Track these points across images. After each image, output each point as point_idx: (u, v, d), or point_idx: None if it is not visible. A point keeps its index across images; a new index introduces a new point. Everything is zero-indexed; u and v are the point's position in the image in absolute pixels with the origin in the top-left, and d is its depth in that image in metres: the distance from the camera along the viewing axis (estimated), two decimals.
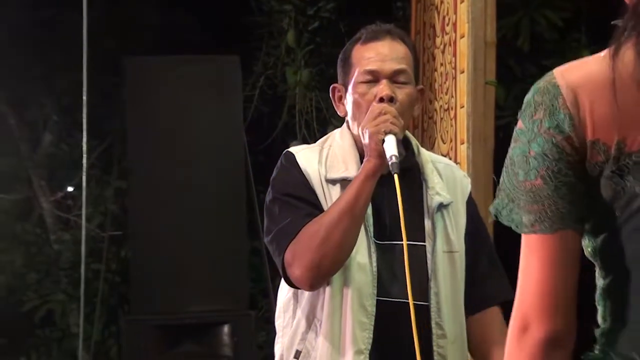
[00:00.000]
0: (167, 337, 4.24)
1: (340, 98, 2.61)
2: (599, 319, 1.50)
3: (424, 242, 2.51)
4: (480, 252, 2.62)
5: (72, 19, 4.87)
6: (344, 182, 2.49)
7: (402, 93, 2.51)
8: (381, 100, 2.48)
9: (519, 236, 1.52)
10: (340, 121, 2.71)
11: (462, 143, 4.02)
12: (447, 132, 4.23)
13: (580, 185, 1.46)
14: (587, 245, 1.51)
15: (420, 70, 4.01)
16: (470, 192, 2.65)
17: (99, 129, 5.86)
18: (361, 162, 2.49)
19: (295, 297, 2.54)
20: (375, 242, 2.47)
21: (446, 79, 4.25)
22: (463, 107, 4.03)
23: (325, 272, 2.43)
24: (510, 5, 5.25)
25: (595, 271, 1.54)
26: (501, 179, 1.53)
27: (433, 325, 2.49)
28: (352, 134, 2.58)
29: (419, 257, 2.49)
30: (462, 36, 4.05)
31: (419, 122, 4.55)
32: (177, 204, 4.27)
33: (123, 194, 5.96)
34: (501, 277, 2.62)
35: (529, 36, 5.45)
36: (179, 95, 4.31)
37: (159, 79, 4.36)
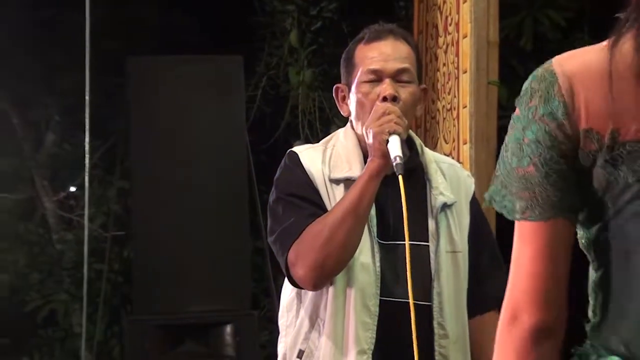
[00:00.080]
0: (169, 337, 4.24)
1: (344, 98, 2.61)
2: (590, 313, 1.51)
3: (428, 242, 2.51)
4: (483, 252, 2.62)
5: (74, 19, 4.87)
6: (347, 182, 2.49)
7: (405, 92, 2.51)
8: (384, 99, 2.48)
9: None
10: (343, 121, 2.71)
11: (465, 143, 4.02)
12: (450, 132, 4.23)
13: (572, 174, 1.46)
14: (582, 237, 1.52)
15: (423, 70, 4.01)
16: (474, 192, 2.65)
17: (101, 129, 5.87)
18: (365, 162, 2.49)
19: (299, 297, 2.54)
20: (379, 242, 2.47)
21: (449, 79, 4.25)
22: (466, 107, 4.02)
23: (328, 272, 2.43)
24: (513, 5, 5.25)
25: (584, 262, 1.54)
26: (496, 166, 1.53)
27: (435, 325, 2.49)
28: (355, 133, 2.58)
29: (422, 257, 2.49)
30: (465, 36, 4.05)
31: (421, 122, 4.55)
32: (180, 204, 4.27)
33: (126, 194, 5.96)
34: (502, 278, 2.61)
35: (532, 36, 5.45)
36: (182, 96, 4.31)
37: (162, 79, 4.36)
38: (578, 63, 1.46)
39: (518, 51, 5.37)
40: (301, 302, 2.53)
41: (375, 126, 2.43)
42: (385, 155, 2.40)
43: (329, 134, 2.70)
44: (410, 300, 2.32)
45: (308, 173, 2.52)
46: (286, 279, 2.53)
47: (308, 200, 2.49)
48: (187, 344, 4.27)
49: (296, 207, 2.48)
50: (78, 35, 4.46)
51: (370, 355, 2.43)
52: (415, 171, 2.55)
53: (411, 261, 2.39)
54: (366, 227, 2.45)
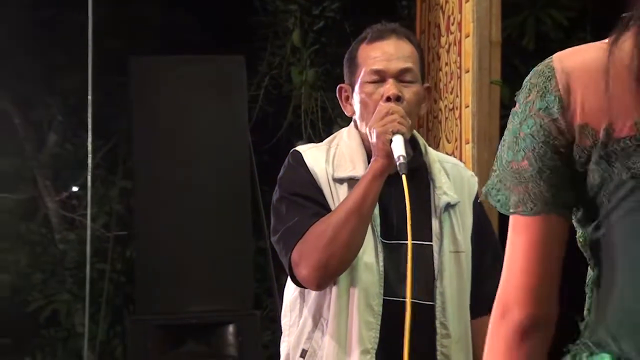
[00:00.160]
0: (172, 337, 4.24)
1: (348, 98, 2.61)
2: (585, 311, 1.51)
3: (431, 241, 2.51)
4: (486, 253, 2.61)
5: (77, 19, 4.87)
6: (351, 182, 2.49)
7: (409, 92, 2.51)
8: (388, 99, 2.48)
9: None
10: (345, 121, 2.71)
11: (467, 143, 4.02)
12: (452, 131, 4.23)
13: (566, 171, 1.46)
14: (580, 236, 1.52)
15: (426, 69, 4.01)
16: (478, 192, 2.65)
17: (104, 129, 5.86)
18: (369, 161, 2.49)
19: (302, 296, 2.54)
20: (382, 242, 2.47)
21: (451, 79, 4.25)
22: (468, 106, 4.02)
23: (332, 272, 2.43)
24: (515, 5, 5.25)
25: (579, 259, 1.54)
26: (495, 161, 1.54)
27: (437, 325, 2.49)
28: (359, 133, 2.57)
29: (425, 257, 2.49)
30: (467, 35, 4.05)
31: (424, 122, 4.55)
32: (182, 204, 4.27)
33: (128, 194, 5.96)
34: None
35: (535, 35, 5.44)
36: (184, 95, 4.32)
37: (165, 79, 4.36)
38: (578, 59, 1.47)
39: (520, 51, 5.36)
40: (304, 301, 2.53)
41: (378, 126, 2.42)
42: (389, 155, 2.40)
43: (332, 134, 2.70)
44: (408, 299, 2.31)
45: (312, 172, 2.52)
46: (289, 279, 2.53)
47: (312, 199, 2.49)
48: (189, 343, 4.28)
49: (300, 206, 2.48)
50: (80, 35, 4.46)
51: (374, 355, 2.43)
52: (418, 171, 2.55)
53: (414, 261, 2.39)
54: (370, 227, 2.45)
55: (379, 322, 2.44)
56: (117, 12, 6.22)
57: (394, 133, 2.40)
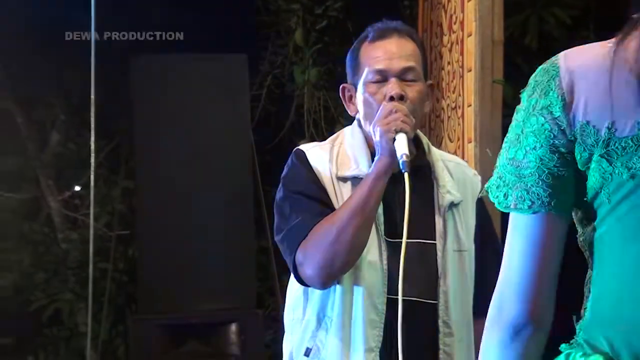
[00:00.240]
0: (174, 336, 4.25)
1: (351, 98, 2.61)
2: (582, 311, 1.51)
3: (435, 240, 2.51)
4: (488, 252, 2.62)
5: (79, 18, 4.87)
6: (355, 180, 2.49)
7: (412, 91, 2.51)
8: (391, 99, 2.47)
9: None
10: (348, 120, 2.71)
11: (470, 142, 4.02)
12: (455, 130, 4.22)
13: (566, 171, 1.47)
14: (580, 236, 1.52)
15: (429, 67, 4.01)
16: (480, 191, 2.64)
17: (106, 129, 5.86)
18: (372, 160, 2.49)
19: (306, 295, 2.54)
20: (386, 240, 2.47)
21: (453, 78, 4.25)
22: (470, 105, 4.02)
23: (337, 271, 2.43)
24: (518, 3, 5.24)
25: (578, 259, 1.54)
26: (498, 158, 1.54)
27: (440, 323, 2.49)
28: (363, 132, 2.57)
29: (429, 256, 2.49)
30: (470, 34, 4.04)
31: (426, 121, 4.55)
32: (184, 203, 4.27)
33: (130, 194, 5.95)
34: None
35: (537, 34, 5.43)
36: (186, 95, 4.32)
37: (167, 78, 4.37)
38: (582, 58, 1.47)
39: (523, 49, 5.35)
40: (308, 300, 2.53)
41: (382, 124, 2.43)
42: (393, 153, 2.40)
43: (335, 133, 2.70)
44: (400, 297, 2.32)
45: (315, 171, 2.52)
46: (292, 277, 2.53)
47: (315, 198, 2.49)
48: (191, 343, 4.28)
49: (303, 205, 2.48)
50: (83, 34, 4.46)
51: (378, 354, 2.44)
52: (422, 170, 2.55)
53: (418, 259, 2.40)
54: (374, 225, 2.45)
55: (383, 321, 2.44)
56: (121, 11, 6.22)
57: (397, 131, 2.41)
